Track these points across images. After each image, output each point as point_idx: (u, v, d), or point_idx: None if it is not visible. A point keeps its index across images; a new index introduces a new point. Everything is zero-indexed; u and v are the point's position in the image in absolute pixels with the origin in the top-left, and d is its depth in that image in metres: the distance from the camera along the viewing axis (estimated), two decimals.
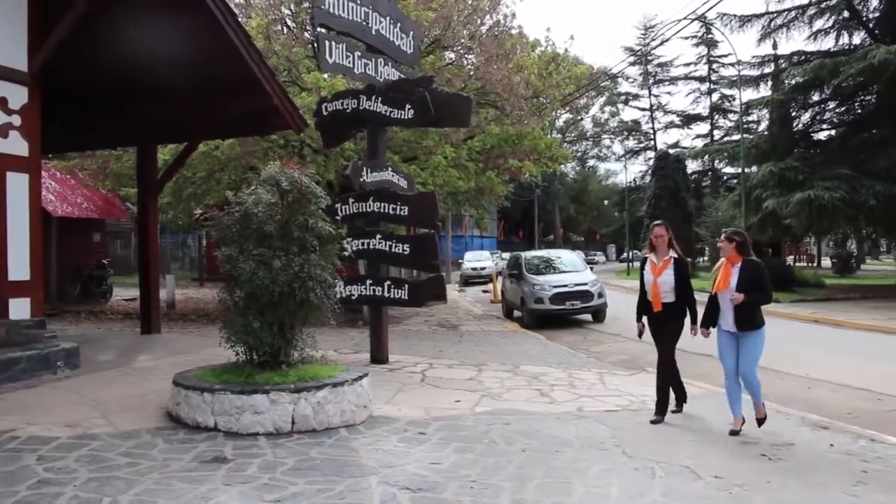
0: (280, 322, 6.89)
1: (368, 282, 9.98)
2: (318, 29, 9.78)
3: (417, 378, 9.26)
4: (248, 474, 5.34)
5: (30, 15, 10.37)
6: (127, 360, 10.60)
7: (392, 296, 9.89)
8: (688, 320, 7.25)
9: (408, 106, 9.86)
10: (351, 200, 9.99)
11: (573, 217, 78.38)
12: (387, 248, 9.87)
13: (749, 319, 6.67)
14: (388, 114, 9.96)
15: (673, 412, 7.40)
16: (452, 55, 19.31)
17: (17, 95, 10.32)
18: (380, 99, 9.96)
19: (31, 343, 9.42)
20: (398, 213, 9.90)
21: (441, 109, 9.96)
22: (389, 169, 10.43)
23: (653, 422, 7.16)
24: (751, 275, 6.70)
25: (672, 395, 7.46)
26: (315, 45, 15.66)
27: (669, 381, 7.39)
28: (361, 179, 9.88)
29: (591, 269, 20.70)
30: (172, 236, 36.91)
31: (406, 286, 9.92)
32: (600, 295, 17.60)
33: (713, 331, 7.00)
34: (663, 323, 7.30)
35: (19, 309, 10.20)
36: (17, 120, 10.31)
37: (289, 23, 19.62)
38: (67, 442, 6.21)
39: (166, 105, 12.80)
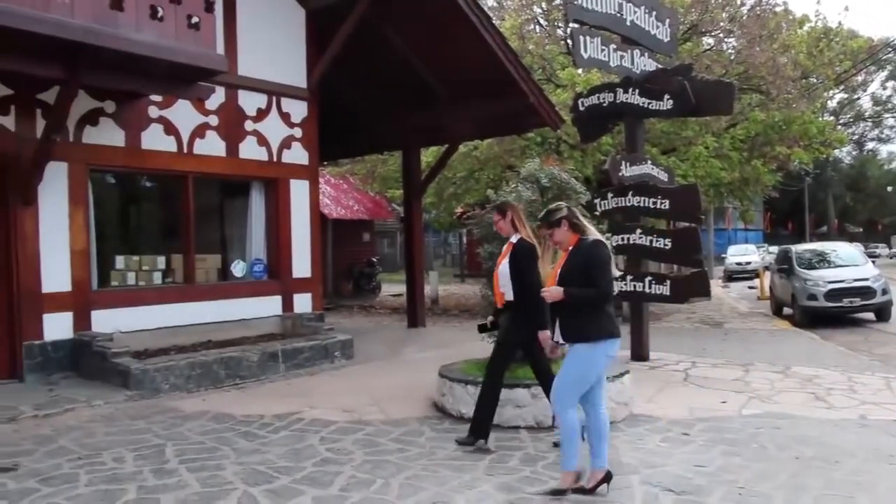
0: None
1: (629, 277, 9.80)
2: (572, 24, 9.75)
3: (680, 377, 8.96)
4: (510, 466, 5.45)
5: (307, 35, 11.35)
6: (395, 351, 11.24)
7: (653, 292, 9.63)
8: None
9: (666, 96, 9.57)
10: (610, 195, 9.87)
11: (850, 206, 71.81)
12: (647, 243, 9.62)
13: (574, 327, 4.78)
14: (645, 105, 9.73)
15: (458, 440, 6.01)
16: (711, 40, 18.47)
17: (298, 110, 11.35)
18: (637, 91, 9.75)
19: (312, 334, 10.31)
20: (658, 207, 9.63)
21: (701, 98, 9.56)
22: (648, 162, 10.18)
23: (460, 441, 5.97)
24: (580, 260, 4.79)
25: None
26: (569, 41, 15.66)
27: (483, 399, 5.99)
28: (620, 174, 9.73)
29: (873, 262, 18.78)
30: (435, 234, 38.66)
31: (667, 282, 9.62)
32: (884, 291, 15.93)
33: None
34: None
35: (302, 303, 11.23)
36: (298, 132, 11.34)
37: (541, 21, 19.79)
38: (344, 426, 6.72)
39: (427, 109, 13.42)
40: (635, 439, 6.16)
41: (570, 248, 4.89)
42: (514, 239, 6.02)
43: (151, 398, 7.94)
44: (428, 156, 17.00)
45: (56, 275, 8.81)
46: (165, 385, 8.21)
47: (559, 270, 4.87)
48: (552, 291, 4.77)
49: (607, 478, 4.83)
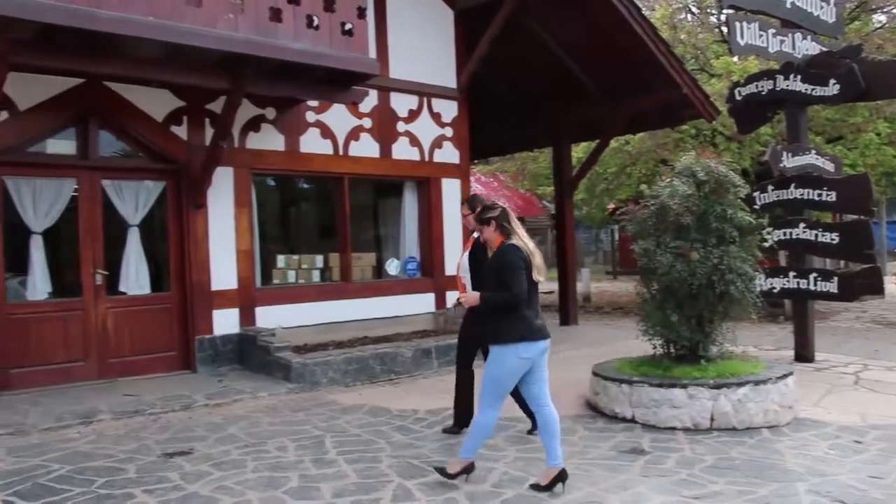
0: (698, 316, 6.75)
1: (791, 274, 9.32)
2: (727, 11, 9.39)
3: (849, 380, 8.41)
4: (666, 468, 5.30)
5: (456, 35, 11.51)
6: None
7: (818, 289, 9.12)
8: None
9: (832, 81, 9.03)
10: (770, 188, 9.41)
11: None
12: (812, 238, 9.12)
13: (490, 329, 4.94)
14: (808, 92, 9.22)
15: (443, 429, 6.50)
16: (883, 17, 17.30)
17: (449, 110, 11.53)
18: (799, 77, 9.25)
19: None
20: (824, 199, 9.09)
21: (872, 81, 8.94)
22: (812, 152, 9.64)
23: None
24: (496, 263, 4.94)
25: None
26: (723, 28, 15.07)
27: (456, 388, 6.46)
28: (781, 165, 9.27)
29: None
30: (586, 231, 38.13)
31: (835, 278, 9.07)
32: None
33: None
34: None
35: (454, 301, 11.37)
36: (449, 132, 11.51)
37: (693, 9, 19.23)
38: (499, 422, 6.72)
39: (578, 105, 13.29)
40: (800, 445, 5.85)
41: (494, 249, 5.02)
42: (476, 234, 6.10)
43: (311, 391, 8.28)
44: (578, 151, 16.83)
45: (224, 273, 9.37)
46: (324, 379, 8.54)
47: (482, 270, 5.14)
48: (468, 297, 5.05)
49: (561, 476, 4.84)
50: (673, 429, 6.31)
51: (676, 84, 11.77)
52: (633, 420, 6.56)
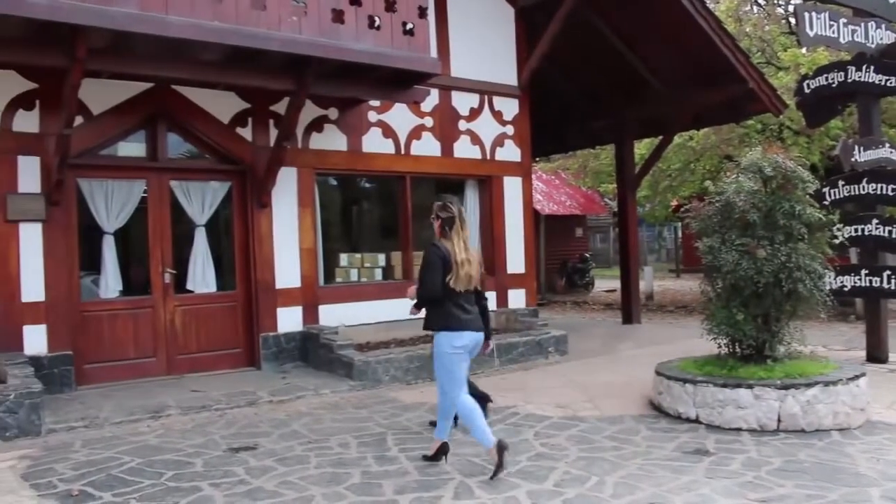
0: (765, 314, 6.62)
1: (863, 272, 9.05)
2: (795, 1, 9.17)
3: None
4: (731, 469, 5.20)
5: (517, 33, 11.49)
6: (609, 348, 11.08)
7: (892, 287, 8.83)
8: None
9: None
10: (840, 183, 9.16)
11: None
12: (885, 234, 8.84)
13: (427, 317, 5.45)
14: (883, 83, 8.94)
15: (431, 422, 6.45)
16: None
17: (510, 107, 11.51)
18: (872, 67, 8.98)
19: (525, 330, 10.37)
20: None
21: None
22: (886, 145, 9.33)
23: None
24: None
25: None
26: (791, 19, 14.71)
27: None
28: (853, 159, 9.00)
29: None
30: (648, 228, 37.64)
31: None
32: None
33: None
34: None
35: (516, 299, 11.39)
36: (510, 130, 11.50)
37: (759, 0, 18.80)
38: (558, 421, 6.72)
39: (641, 100, 13.13)
40: (873, 448, 5.67)
41: None
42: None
43: (373, 388, 8.36)
44: (641, 148, 16.63)
45: (288, 272, 9.52)
46: (386, 377, 8.61)
47: None
48: (411, 289, 5.51)
49: (443, 449, 5.48)
50: (738, 430, 6.19)
51: (742, 78, 11.54)
52: (697, 420, 6.46)
